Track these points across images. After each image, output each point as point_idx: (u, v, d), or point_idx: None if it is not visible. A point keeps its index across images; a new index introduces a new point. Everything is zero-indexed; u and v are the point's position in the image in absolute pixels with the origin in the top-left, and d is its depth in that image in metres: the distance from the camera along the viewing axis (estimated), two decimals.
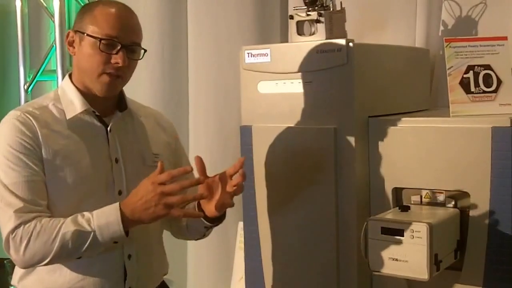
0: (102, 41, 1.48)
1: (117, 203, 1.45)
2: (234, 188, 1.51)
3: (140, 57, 1.55)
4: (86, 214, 1.44)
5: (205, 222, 1.58)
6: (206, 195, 1.51)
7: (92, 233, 1.42)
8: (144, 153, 1.61)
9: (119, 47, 1.48)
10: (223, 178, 1.53)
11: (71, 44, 1.55)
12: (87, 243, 1.42)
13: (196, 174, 1.54)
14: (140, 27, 1.56)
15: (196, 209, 1.58)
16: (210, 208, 1.54)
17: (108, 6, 1.53)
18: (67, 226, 1.42)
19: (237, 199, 2.16)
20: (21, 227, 1.42)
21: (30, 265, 1.47)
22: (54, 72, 2.91)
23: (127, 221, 1.43)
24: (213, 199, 1.53)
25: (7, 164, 1.46)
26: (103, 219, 1.43)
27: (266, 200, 1.82)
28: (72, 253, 1.43)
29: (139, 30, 1.56)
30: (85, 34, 1.50)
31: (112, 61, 1.49)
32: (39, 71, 3.03)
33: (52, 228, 1.42)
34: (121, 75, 1.51)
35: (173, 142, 1.72)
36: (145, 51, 1.56)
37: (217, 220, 1.60)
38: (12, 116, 1.50)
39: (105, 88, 1.51)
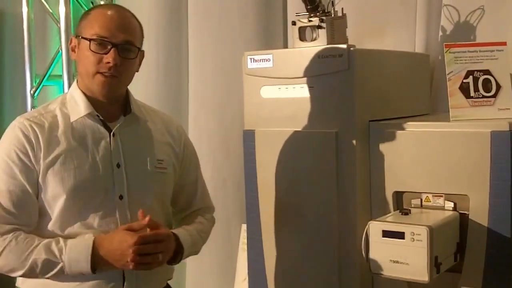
0: (92, 41, 1.50)
1: (91, 240, 1.48)
2: None
3: (135, 57, 1.55)
4: (61, 242, 1.48)
5: None
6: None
7: (61, 264, 1.46)
8: (147, 158, 1.61)
9: (110, 47, 1.49)
10: None
11: (73, 49, 1.57)
12: (54, 272, 1.47)
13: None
14: (136, 26, 1.56)
15: None
16: None
17: (103, 8, 1.57)
18: (39, 252, 1.46)
19: (241, 202, 2.18)
20: None
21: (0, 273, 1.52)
22: (60, 77, 2.92)
23: (97, 262, 1.48)
24: None
25: None
26: (74, 253, 1.47)
27: (268, 203, 1.83)
28: (39, 276, 1.49)
29: (133, 29, 1.55)
30: (81, 37, 1.53)
31: (104, 60, 1.49)
32: (45, 76, 3.04)
33: (25, 249, 1.47)
34: (116, 75, 1.51)
35: (180, 150, 1.70)
36: (139, 49, 1.56)
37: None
38: (17, 122, 1.53)
39: (101, 89, 1.52)
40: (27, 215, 1.50)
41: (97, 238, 1.49)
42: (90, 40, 1.50)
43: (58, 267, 1.47)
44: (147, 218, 1.49)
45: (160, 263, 1.52)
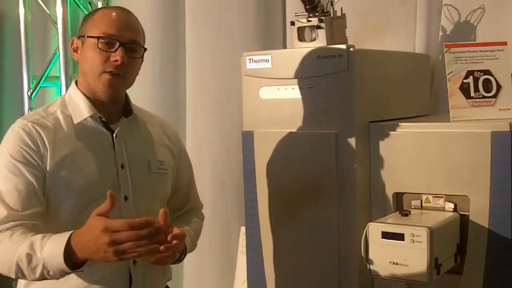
0: (100, 40, 1.49)
1: (69, 234, 1.35)
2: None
3: (141, 56, 1.56)
4: (46, 237, 1.36)
5: None
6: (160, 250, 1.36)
7: (42, 261, 1.36)
8: (149, 159, 1.61)
9: (117, 45, 1.49)
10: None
11: (75, 50, 1.57)
12: (39, 271, 1.36)
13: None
14: (139, 26, 1.58)
15: None
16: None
17: (108, 10, 1.58)
18: (23, 247, 1.36)
19: (240, 204, 2.16)
20: None
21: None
22: (57, 78, 2.92)
23: (75, 256, 1.34)
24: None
25: (4, 172, 1.46)
26: (51, 247, 1.35)
27: (268, 205, 1.82)
28: (29, 275, 1.38)
29: (138, 29, 1.56)
30: (86, 36, 1.52)
31: (111, 59, 1.49)
32: (42, 77, 3.03)
33: (17, 244, 1.37)
34: (121, 74, 1.51)
35: (177, 153, 1.71)
36: (145, 49, 1.57)
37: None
38: (18, 124, 1.51)
39: (106, 88, 1.51)
40: (36, 213, 1.46)
41: (76, 231, 1.35)
42: (98, 38, 1.49)
43: (40, 264, 1.35)
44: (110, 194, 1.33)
45: (171, 260, 1.46)
